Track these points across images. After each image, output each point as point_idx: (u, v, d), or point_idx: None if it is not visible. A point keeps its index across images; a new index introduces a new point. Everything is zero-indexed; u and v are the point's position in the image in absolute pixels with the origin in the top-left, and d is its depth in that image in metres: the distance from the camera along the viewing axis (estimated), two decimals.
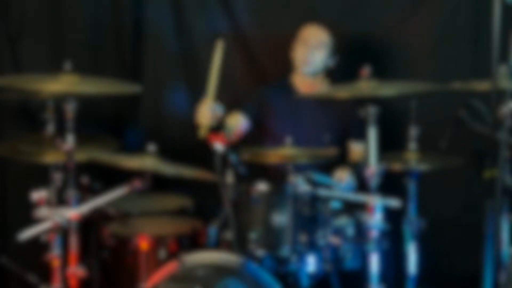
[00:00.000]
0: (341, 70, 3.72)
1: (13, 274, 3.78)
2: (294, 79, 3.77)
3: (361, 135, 3.39)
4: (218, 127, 3.46)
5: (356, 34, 3.97)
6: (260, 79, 4.08)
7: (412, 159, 3.20)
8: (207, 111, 3.45)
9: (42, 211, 3.01)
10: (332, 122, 3.67)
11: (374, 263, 3.03)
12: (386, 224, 3.06)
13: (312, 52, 3.63)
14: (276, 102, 3.72)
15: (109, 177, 3.25)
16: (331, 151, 3.35)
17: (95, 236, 3.37)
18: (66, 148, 3.02)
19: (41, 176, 3.27)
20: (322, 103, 3.67)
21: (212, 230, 3.24)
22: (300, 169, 3.17)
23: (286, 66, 3.77)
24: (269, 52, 4.06)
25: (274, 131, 3.64)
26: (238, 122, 3.71)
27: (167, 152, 3.21)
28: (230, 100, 4.12)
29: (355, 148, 3.64)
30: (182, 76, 4.18)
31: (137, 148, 3.23)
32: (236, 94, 4.12)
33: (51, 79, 3.03)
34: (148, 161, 3.10)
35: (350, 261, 3.16)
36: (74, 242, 3.03)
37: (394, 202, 3.13)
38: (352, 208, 3.17)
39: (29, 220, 3.02)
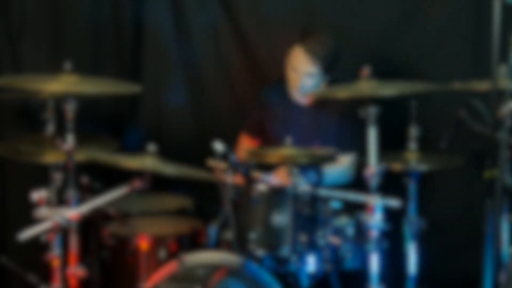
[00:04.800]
0: (341, 70, 3.71)
1: (13, 274, 3.78)
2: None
3: (351, 147, 3.45)
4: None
5: (356, 34, 3.97)
6: (260, 77, 4.08)
7: (412, 159, 3.20)
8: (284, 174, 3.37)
9: (42, 211, 3.01)
10: (323, 130, 3.66)
11: (374, 263, 3.03)
12: (386, 224, 3.06)
13: (302, 79, 3.57)
14: (274, 102, 3.72)
15: (109, 177, 3.25)
16: (330, 151, 3.35)
17: (95, 236, 3.37)
18: (66, 148, 3.01)
19: (41, 176, 3.27)
20: (314, 106, 3.66)
21: (212, 230, 3.23)
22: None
23: (285, 64, 3.76)
24: (268, 50, 4.06)
25: (272, 133, 3.65)
26: (249, 145, 3.75)
27: (167, 152, 3.21)
28: (229, 98, 4.14)
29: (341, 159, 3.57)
30: (182, 75, 4.18)
31: (137, 148, 3.23)
32: (235, 93, 4.13)
33: (51, 79, 3.03)
34: (148, 161, 3.09)
35: (350, 261, 3.16)
36: (74, 242, 3.03)
37: (394, 202, 3.13)
38: (352, 208, 3.18)
39: (29, 220, 3.02)
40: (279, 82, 3.77)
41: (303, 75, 3.56)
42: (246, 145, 3.77)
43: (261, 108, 3.75)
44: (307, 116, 3.66)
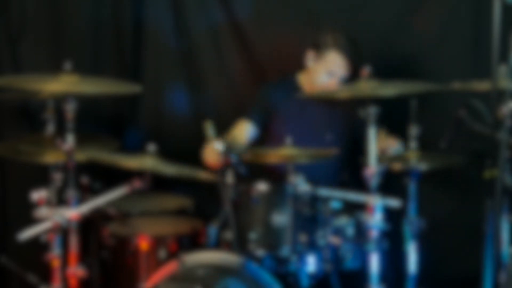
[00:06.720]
0: None
1: (13, 274, 3.78)
2: (302, 79, 3.74)
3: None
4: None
5: (356, 34, 3.97)
6: (260, 77, 4.07)
7: (412, 158, 3.20)
8: (213, 152, 3.27)
9: (42, 211, 3.01)
10: (335, 121, 3.67)
11: (374, 263, 3.03)
12: (386, 224, 3.06)
13: (340, 82, 3.59)
14: (278, 100, 3.70)
15: (109, 177, 3.25)
16: (331, 151, 3.35)
17: (95, 236, 3.37)
18: (66, 148, 3.01)
19: (41, 176, 3.27)
20: (325, 103, 3.67)
21: (212, 230, 3.23)
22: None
23: (285, 64, 3.76)
24: (269, 50, 4.07)
25: (277, 131, 3.64)
26: (246, 131, 3.69)
27: (167, 152, 3.21)
28: (229, 98, 4.14)
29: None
30: (182, 75, 4.18)
31: (137, 148, 3.23)
32: (236, 93, 4.13)
33: (51, 79, 3.03)
34: (148, 161, 3.10)
35: (350, 261, 3.16)
36: (74, 242, 3.03)
37: (394, 202, 3.13)
38: (352, 208, 3.17)
39: (29, 220, 3.02)
40: (287, 78, 3.76)
41: (340, 78, 3.58)
42: (241, 129, 3.68)
43: (264, 106, 3.72)
44: (317, 109, 3.66)
